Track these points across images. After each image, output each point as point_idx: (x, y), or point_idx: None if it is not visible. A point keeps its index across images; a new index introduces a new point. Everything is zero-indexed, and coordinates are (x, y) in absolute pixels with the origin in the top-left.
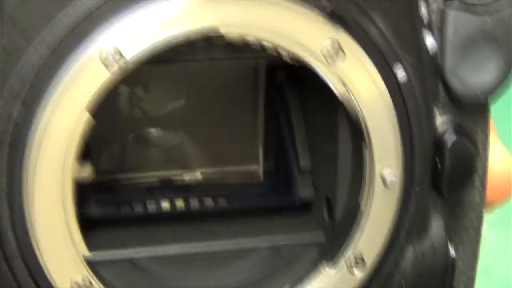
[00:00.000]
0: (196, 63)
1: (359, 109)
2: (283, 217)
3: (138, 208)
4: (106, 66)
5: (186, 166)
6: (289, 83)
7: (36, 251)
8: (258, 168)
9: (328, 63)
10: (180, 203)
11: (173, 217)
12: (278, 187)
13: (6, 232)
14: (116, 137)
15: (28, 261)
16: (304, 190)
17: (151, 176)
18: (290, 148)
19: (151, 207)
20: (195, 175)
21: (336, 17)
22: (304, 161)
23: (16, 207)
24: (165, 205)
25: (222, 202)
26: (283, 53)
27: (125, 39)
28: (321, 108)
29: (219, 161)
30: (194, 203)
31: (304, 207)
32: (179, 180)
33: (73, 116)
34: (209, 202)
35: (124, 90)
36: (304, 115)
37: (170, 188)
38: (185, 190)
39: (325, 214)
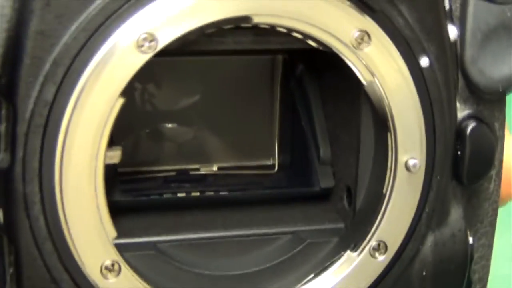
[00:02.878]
0: (213, 57)
1: (384, 97)
2: (303, 207)
3: (158, 197)
4: (142, 52)
5: (203, 160)
6: (308, 75)
7: (66, 236)
8: (273, 161)
9: (356, 51)
10: (196, 194)
11: (194, 206)
12: (294, 178)
13: (37, 217)
14: (134, 130)
15: (58, 246)
16: (325, 179)
17: (169, 169)
18: (310, 138)
19: (170, 196)
20: (211, 168)
21: (366, 7)
22: (325, 151)
23: (47, 190)
24: (182, 195)
25: (239, 193)
26: (311, 42)
27: (160, 26)
28: (341, 99)
29: (235, 155)
30: (211, 193)
31: (323, 197)
32: (195, 174)
33: (107, 101)
34: (226, 192)
35: (142, 84)
36: (322, 106)
37: (187, 180)
38: (202, 182)
39: (345, 203)
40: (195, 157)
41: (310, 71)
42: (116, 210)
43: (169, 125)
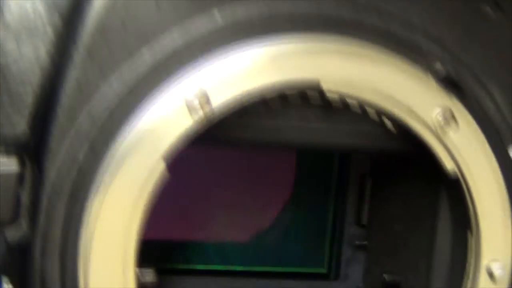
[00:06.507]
0: None
1: (469, 189)
2: None
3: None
4: (190, 111)
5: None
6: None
7: None
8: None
9: (440, 134)
10: None
11: None
12: None
13: None
14: None
15: None
16: None
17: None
18: None
19: None
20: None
21: (451, 84)
22: None
23: (69, 267)
24: None
25: None
26: (387, 122)
27: (214, 83)
28: (414, 196)
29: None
30: None
31: None
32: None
33: (148, 166)
34: None
35: None
36: (387, 206)
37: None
38: None
39: None
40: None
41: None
42: None
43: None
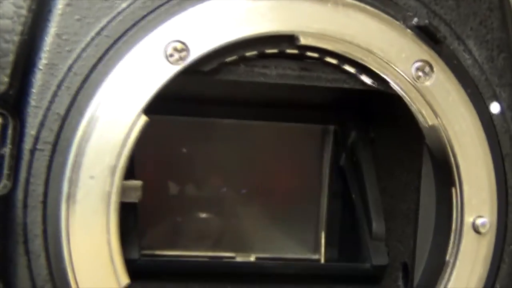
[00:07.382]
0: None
1: (450, 142)
2: None
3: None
4: (171, 62)
5: (240, 248)
6: (361, 144)
7: (70, 278)
8: (319, 257)
9: (418, 87)
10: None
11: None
12: (342, 258)
13: (38, 254)
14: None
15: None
16: (377, 256)
17: (202, 256)
18: (361, 213)
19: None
20: (249, 258)
21: (429, 37)
22: (378, 224)
23: (52, 221)
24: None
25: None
26: (364, 78)
27: (193, 35)
28: (399, 164)
29: (276, 247)
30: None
31: (374, 278)
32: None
33: (128, 118)
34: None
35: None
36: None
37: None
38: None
39: (401, 283)
40: (232, 245)
41: (363, 141)
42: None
43: (204, 211)
